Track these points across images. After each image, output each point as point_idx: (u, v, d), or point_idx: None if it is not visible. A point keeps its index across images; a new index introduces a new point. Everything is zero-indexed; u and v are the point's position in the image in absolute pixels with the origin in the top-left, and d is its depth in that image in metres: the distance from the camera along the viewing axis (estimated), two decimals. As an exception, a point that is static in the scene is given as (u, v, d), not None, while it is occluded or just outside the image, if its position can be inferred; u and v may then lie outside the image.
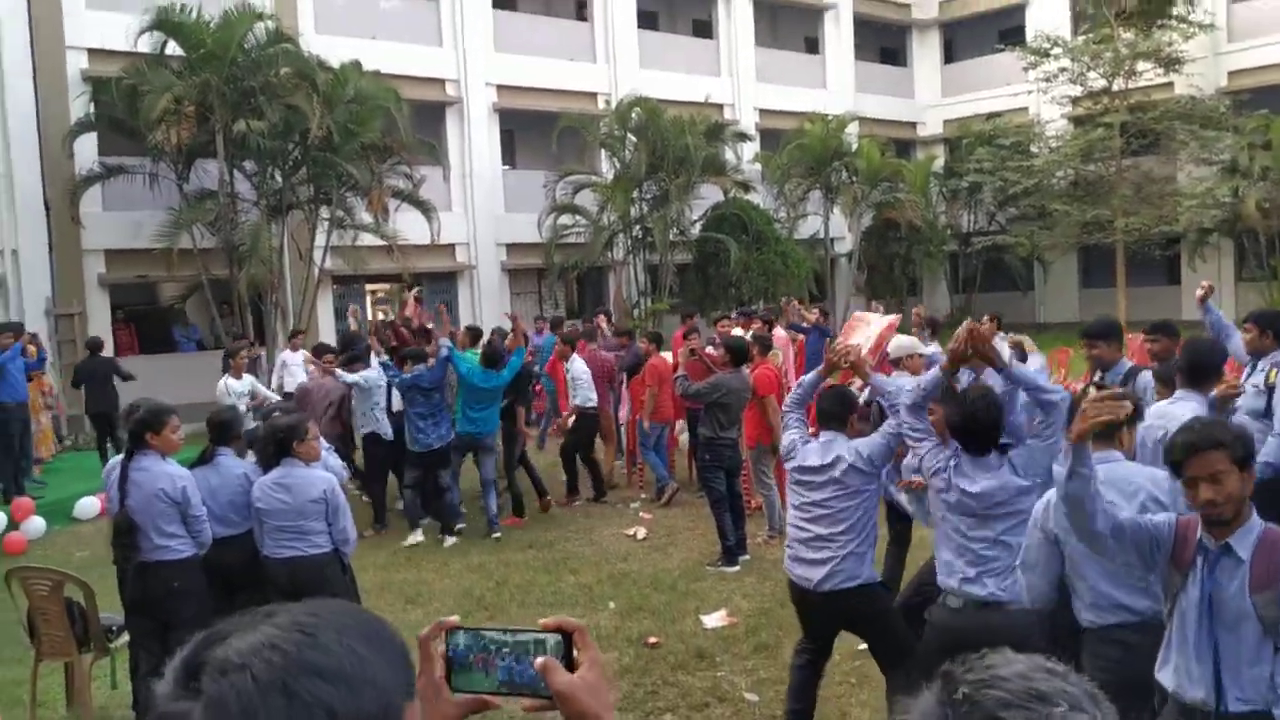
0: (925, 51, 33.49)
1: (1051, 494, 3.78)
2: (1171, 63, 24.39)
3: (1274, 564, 3.04)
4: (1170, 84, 25.25)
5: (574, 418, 11.16)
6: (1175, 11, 24.74)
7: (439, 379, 9.71)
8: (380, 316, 21.07)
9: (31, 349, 12.38)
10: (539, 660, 1.23)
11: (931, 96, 32.95)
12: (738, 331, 11.50)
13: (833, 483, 4.91)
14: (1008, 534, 4.27)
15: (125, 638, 5.54)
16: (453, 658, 1.27)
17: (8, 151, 17.78)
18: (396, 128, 18.55)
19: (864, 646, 5.48)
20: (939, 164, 30.08)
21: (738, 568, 8.40)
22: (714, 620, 7.16)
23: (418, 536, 9.74)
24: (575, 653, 1.25)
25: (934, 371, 4.67)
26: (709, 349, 10.12)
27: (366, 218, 19.02)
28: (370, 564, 8.66)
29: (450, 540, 9.69)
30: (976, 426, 4.31)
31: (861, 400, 5.80)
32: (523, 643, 1.25)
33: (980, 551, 4.31)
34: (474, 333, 12.16)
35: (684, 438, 11.87)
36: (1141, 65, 24.58)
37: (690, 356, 9.63)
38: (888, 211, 26.63)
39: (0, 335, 11.49)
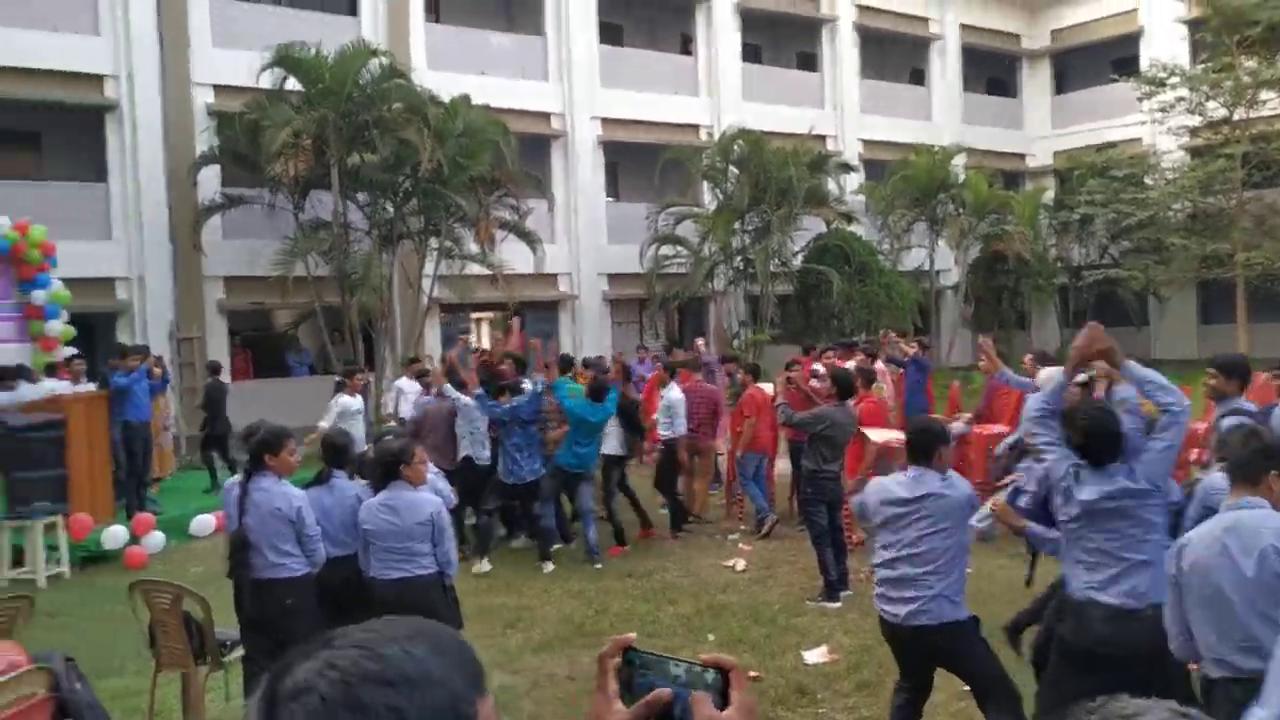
0: (1035, 82, 32.91)
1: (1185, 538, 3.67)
2: (1296, 92, 23.56)
3: None
4: (1295, 114, 24.37)
5: (663, 449, 11.17)
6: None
7: (536, 412, 9.82)
8: (475, 344, 21.42)
9: (157, 371, 12.87)
10: (695, 694, 1.22)
11: (1041, 127, 32.35)
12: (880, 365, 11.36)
13: (922, 519, 4.83)
14: (1127, 540, 4.20)
15: (239, 652, 5.71)
16: (630, 677, 1.26)
17: (137, 184, 18.68)
18: (504, 160, 18.94)
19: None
20: (1049, 196, 29.45)
21: (839, 604, 8.29)
22: (815, 656, 7.06)
23: (485, 565, 9.73)
24: (731, 692, 1.23)
25: (1057, 379, 4.64)
26: (813, 381, 10.05)
27: (473, 248, 19.43)
28: (471, 588, 8.76)
29: (548, 566, 9.76)
30: (1100, 435, 4.26)
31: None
32: (696, 674, 1.24)
33: (1101, 559, 4.24)
34: (565, 361, 12.29)
35: (782, 465, 11.80)
36: (1265, 94, 23.76)
37: (789, 385, 9.57)
38: (995, 244, 26.19)
39: (128, 358, 11.98)
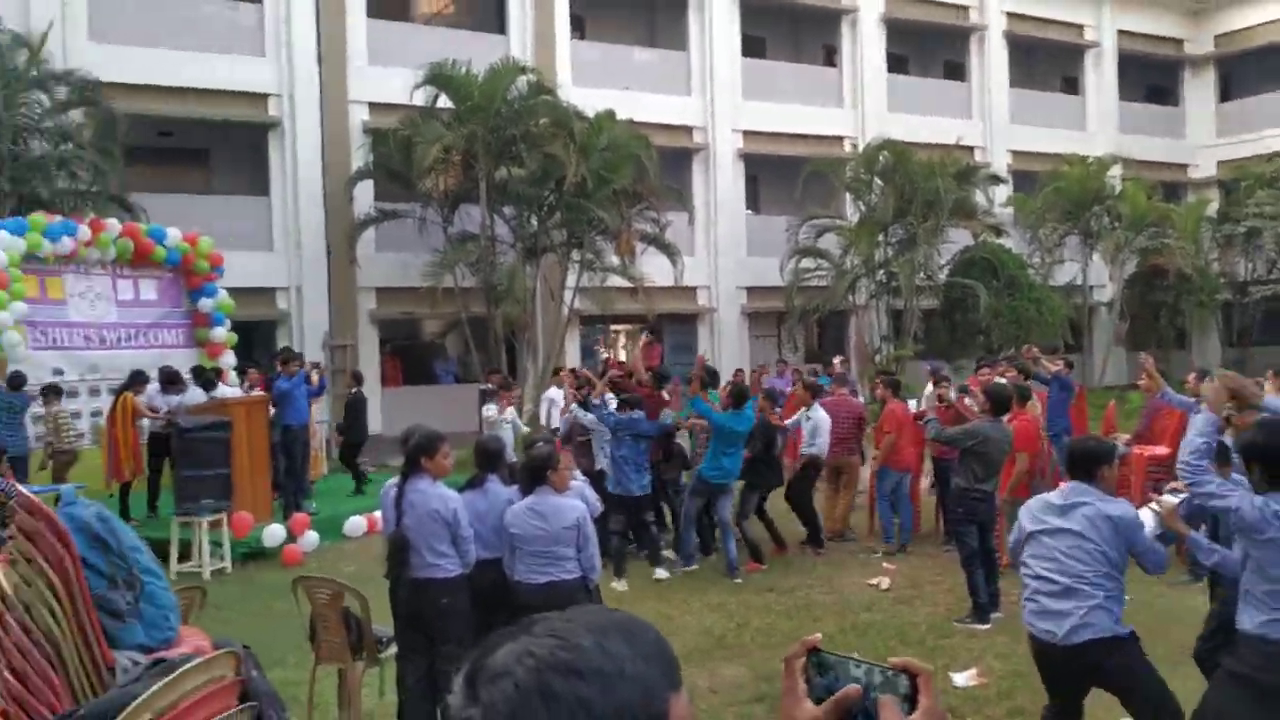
0: (1199, 89, 31.45)
1: None
2: None
3: None
4: None
5: (802, 465, 11.03)
6: None
7: (654, 433, 9.84)
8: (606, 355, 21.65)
9: (314, 376, 13.39)
10: (882, 697, 1.21)
11: (1205, 136, 30.88)
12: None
13: (1071, 533, 4.67)
14: None
15: (393, 649, 5.87)
16: (819, 680, 1.25)
17: (297, 198, 19.53)
18: (646, 174, 19.14)
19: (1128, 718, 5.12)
20: (1213, 208, 28.05)
21: (989, 626, 8.03)
22: (964, 679, 6.86)
23: (623, 585, 9.56)
24: (919, 698, 1.20)
25: (1205, 416, 4.43)
26: (965, 399, 9.79)
27: (614, 260, 19.64)
28: (612, 597, 8.83)
29: (660, 573, 9.72)
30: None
31: None
32: (885, 677, 1.23)
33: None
34: (711, 375, 12.28)
35: (926, 483, 11.54)
36: None
37: (939, 403, 9.34)
38: (1154, 258, 25.09)
39: (288, 364, 12.48)
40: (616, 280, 19.81)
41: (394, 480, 5.70)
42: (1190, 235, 25.33)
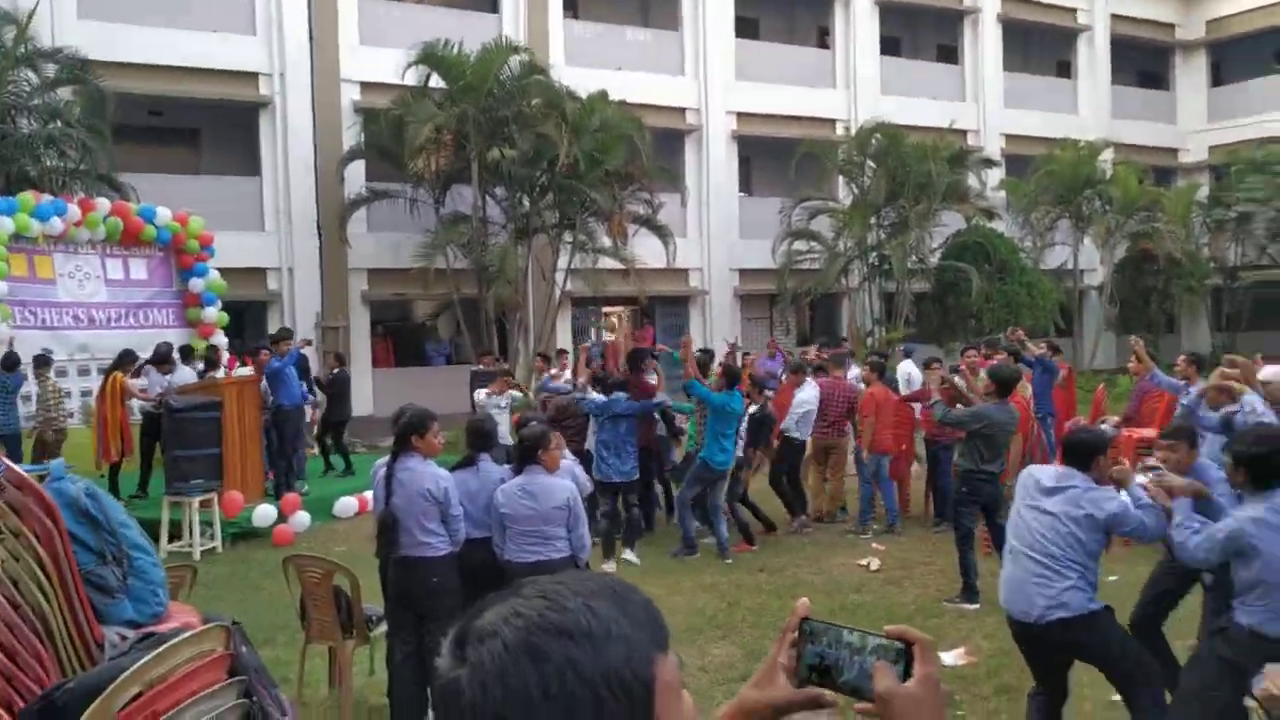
0: (1190, 74, 31.46)
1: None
2: None
3: None
4: None
5: (780, 446, 11.04)
6: None
7: (635, 411, 9.82)
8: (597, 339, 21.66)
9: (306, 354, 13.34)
10: (877, 663, 1.21)
11: (1196, 121, 30.90)
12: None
13: (1052, 516, 4.78)
14: None
15: (383, 628, 5.89)
16: (810, 647, 1.26)
17: (288, 178, 19.45)
18: (638, 155, 19.08)
19: (1117, 697, 5.17)
20: (1203, 193, 28.10)
21: (978, 606, 8.08)
22: (952, 658, 6.90)
23: (611, 565, 9.58)
24: (914, 665, 1.20)
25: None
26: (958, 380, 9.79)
27: (606, 242, 19.60)
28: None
29: (629, 556, 9.71)
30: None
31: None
32: (881, 646, 1.23)
33: None
34: (707, 355, 12.26)
35: (916, 468, 11.59)
36: None
37: (943, 385, 9.34)
38: (1144, 242, 25.14)
39: (279, 343, 12.44)
40: (608, 262, 19.77)
41: (384, 459, 5.71)
42: (1180, 220, 25.38)
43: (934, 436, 10.89)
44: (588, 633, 0.96)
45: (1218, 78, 31.47)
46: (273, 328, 17.95)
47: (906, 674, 1.20)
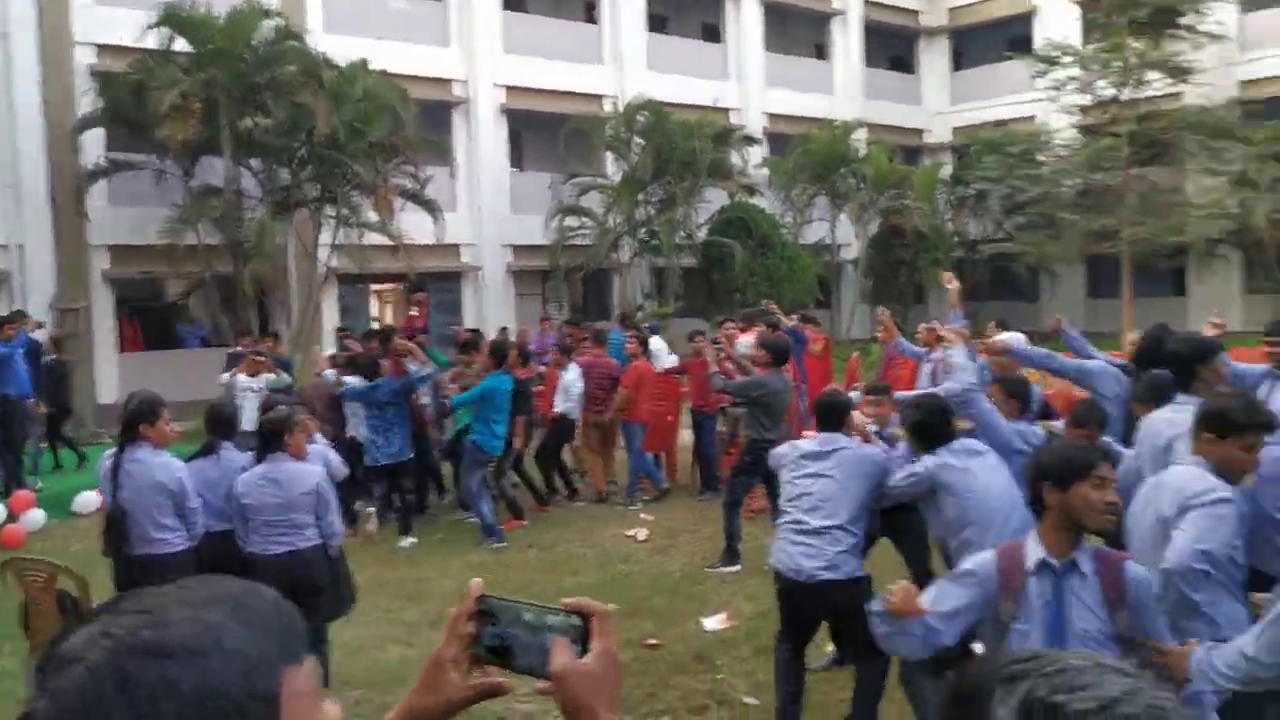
0: (934, 59, 33.44)
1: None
2: (1181, 72, 24.25)
3: (1119, 583, 2.97)
4: (1179, 94, 25.13)
5: (553, 423, 11.08)
6: (1184, 21, 24.54)
7: (397, 393, 9.62)
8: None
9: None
10: (556, 639, 1.17)
11: (940, 103, 32.90)
12: (746, 338, 11.23)
13: (826, 478, 5.03)
14: None
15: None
16: (489, 629, 1.20)
17: (14, 146, 17.77)
18: (403, 127, 18.54)
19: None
20: (946, 171, 29.96)
21: (739, 568, 8.33)
22: (714, 623, 7.10)
23: (407, 542, 9.57)
24: (591, 640, 1.18)
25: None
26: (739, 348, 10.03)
27: (372, 216, 19.00)
28: (369, 559, 8.60)
29: (404, 542, 9.55)
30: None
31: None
32: (558, 624, 1.18)
33: None
34: (474, 336, 12.10)
35: (685, 436, 11.83)
36: (1151, 75, 24.47)
37: (720, 356, 9.54)
38: (894, 218, 26.57)
39: (5, 326, 11.36)
40: (375, 238, 19.16)
41: (111, 450, 5.30)
42: (926, 197, 26.94)
43: (699, 407, 11.15)
44: (190, 648, 0.86)
45: (959, 63, 33.55)
46: (14, 310, 16.46)
47: (585, 649, 1.16)
